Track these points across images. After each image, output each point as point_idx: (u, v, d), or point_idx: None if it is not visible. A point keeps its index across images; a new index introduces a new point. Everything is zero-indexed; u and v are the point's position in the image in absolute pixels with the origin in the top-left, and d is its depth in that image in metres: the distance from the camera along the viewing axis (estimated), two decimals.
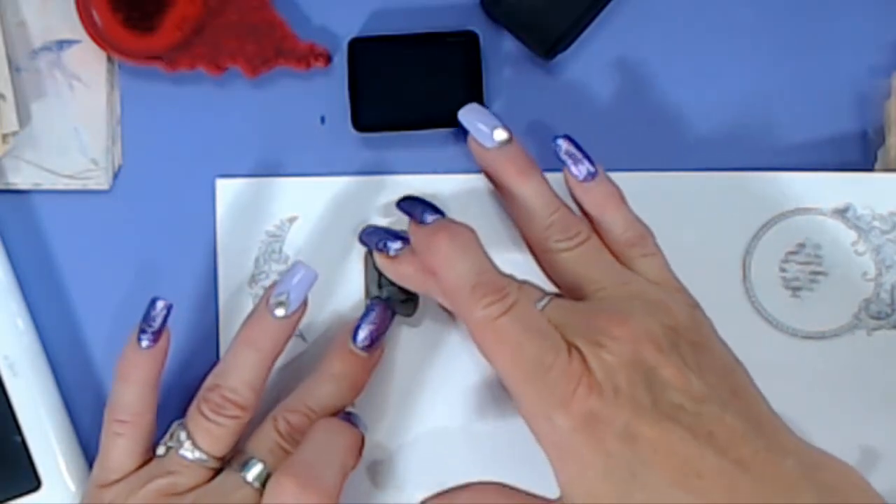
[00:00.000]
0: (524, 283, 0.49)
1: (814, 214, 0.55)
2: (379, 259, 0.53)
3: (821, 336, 0.55)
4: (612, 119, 0.56)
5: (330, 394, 0.52)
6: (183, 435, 0.50)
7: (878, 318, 0.55)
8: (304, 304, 0.51)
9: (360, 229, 0.55)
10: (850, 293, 0.55)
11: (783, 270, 0.55)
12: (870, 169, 0.56)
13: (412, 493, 0.54)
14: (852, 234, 0.55)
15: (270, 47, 0.55)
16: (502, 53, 0.57)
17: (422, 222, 0.50)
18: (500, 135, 0.51)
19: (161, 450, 0.51)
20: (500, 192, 0.52)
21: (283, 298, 0.51)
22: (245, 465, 0.50)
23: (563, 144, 0.51)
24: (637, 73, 0.56)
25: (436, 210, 0.51)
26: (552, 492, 0.47)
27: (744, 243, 0.55)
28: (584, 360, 0.46)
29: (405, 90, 0.55)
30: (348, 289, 0.56)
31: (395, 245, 0.52)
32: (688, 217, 0.55)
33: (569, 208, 0.51)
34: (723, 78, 0.56)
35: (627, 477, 0.45)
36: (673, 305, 0.48)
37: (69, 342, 0.56)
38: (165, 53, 0.55)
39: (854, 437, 0.54)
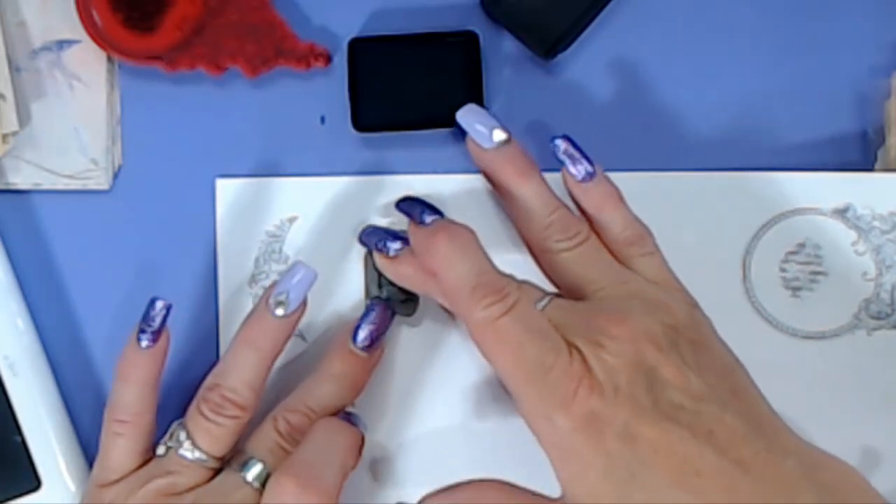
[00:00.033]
0: (524, 283, 0.49)
1: (814, 214, 0.55)
2: (378, 259, 0.53)
3: (821, 336, 0.55)
4: (612, 119, 0.56)
5: (330, 394, 0.52)
6: (183, 435, 0.50)
7: (878, 318, 0.55)
8: (304, 303, 0.51)
9: (359, 229, 0.55)
10: (850, 293, 0.55)
11: (783, 270, 0.55)
12: (870, 169, 0.56)
13: (412, 492, 0.54)
14: (852, 234, 0.55)
15: (270, 47, 0.55)
16: (502, 53, 0.57)
17: (421, 223, 0.50)
18: (499, 135, 0.51)
19: (161, 450, 0.51)
20: (498, 192, 0.52)
21: (282, 298, 0.51)
22: (245, 465, 0.50)
23: (562, 144, 0.51)
24: (637, 73, 0.56)
25: (435, 211, 0.51)
26: (552, 491, 0.47)
27: (744, 243, 0.55)
28: (584, 360, 0.46)
29: (405, 90, 0.55)
30: (348, 289, 0.56)
31: (395, 245, 0.52)
32: (688, 217, 0.55)
33: (568, 208, 0.51)
34: (723, 78, 0.56)
35: (627, 477, 0.45)
36: (672, 304, 0.48)
37: (69, 342, 0.56)
38: (165, 53, 0.55)
39: (854, 438, 0.54)
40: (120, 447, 0.51)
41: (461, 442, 0.55)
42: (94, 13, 0.54)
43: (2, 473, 0.54)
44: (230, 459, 0.51)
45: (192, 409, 0.51)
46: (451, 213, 0.54)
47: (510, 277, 0.48)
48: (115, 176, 0.56)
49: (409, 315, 0.55)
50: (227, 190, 0.56)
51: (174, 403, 0.54)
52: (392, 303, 0.54)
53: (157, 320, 0.51)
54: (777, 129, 0.56)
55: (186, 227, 0.56)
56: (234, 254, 0.56)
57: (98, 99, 0.56)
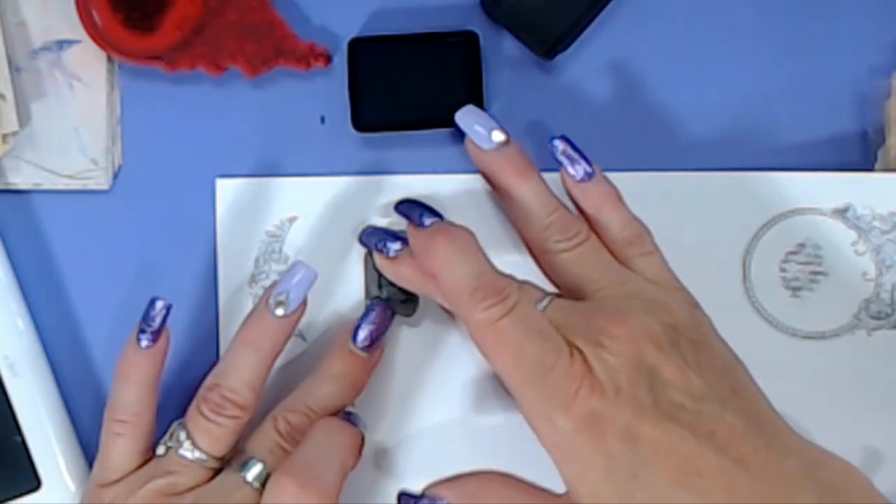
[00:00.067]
0: (524, 283, 0.49)
1: (814, 214, 0.55)
2: (378, 260, 0.53)
3: (821, 336, 0.55)
4: (612, 119, 0.56)
5: (330, 394, 0.52)
6: (182, 435, 0.50)
7: (878, 318, 0.55)
8: (304, 303, 0.51)
9: (359, 229, 0.55)
10: (850, 293, 0.55)
11: (783, 270, 0.55)
12: (870, 169, 0.56)
13: (412, 487, 0.54)
14: (852, 234, 0.55)
15: (270, 47, 0.55)
16: (502, 53, 0.57)
17: (420, 225, 0.50)
18: (498, 136, 0.51)
19: (161, 450, 0.51)
20: (498, 193, 0.52)
21: (282, 298, 0.51)
22: (245, 465, 0.50)
23: (560, 145, 0.51)
24: (637, 74, 0.56)
25: (434, 213, 0.51)
26: (555, 489, 0.47)
27: (744, 243, 0.55)
28: (585, 360, 0.46)
29: (405, 90, 0.55)
30: (348, 289, 0.56)
31: (395, 246, 0.52)
32: (688, 217, 0.55)
33: (567, 209, 0.51)
34: (723, 78, 0.56)
35: (629, 477, 0.45)
36: (672, 304, 0.48)
37: (69, 342, 0.56)
38: (165, 53, 0.55)
39: (854, 438, 0.54)
40: (120, 447, 0.51)
41: (461, 441, 0.55)
42: (94, 13, 0.54)
43: (2, 473, 0.54)
44: (230, 459, 0.51)
45: (192, 409, 0.51)
46: (450, 214, 0.54)
47: (510, 278, 0.48)
48: (115, 176, 0.56)
49: (409, 315, 0.55)
50: (227, 190, 0.56)
51: (174, 403, 0.54)
52: (392, 303, 0.54)
53: (157, 320, 0.51)
54: (777, 129, 0.56)
55: (186, 227, 0.56)
56: (234, 254, 0.56)
57: (98, 99, 0.56)
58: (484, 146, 0.51)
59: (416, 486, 0.50)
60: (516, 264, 0.50)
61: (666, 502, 0.45)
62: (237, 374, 0.50)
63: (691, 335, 0.47)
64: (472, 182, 0.55)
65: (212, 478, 0.51)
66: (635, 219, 0.51)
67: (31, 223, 0.56)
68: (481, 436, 0.55)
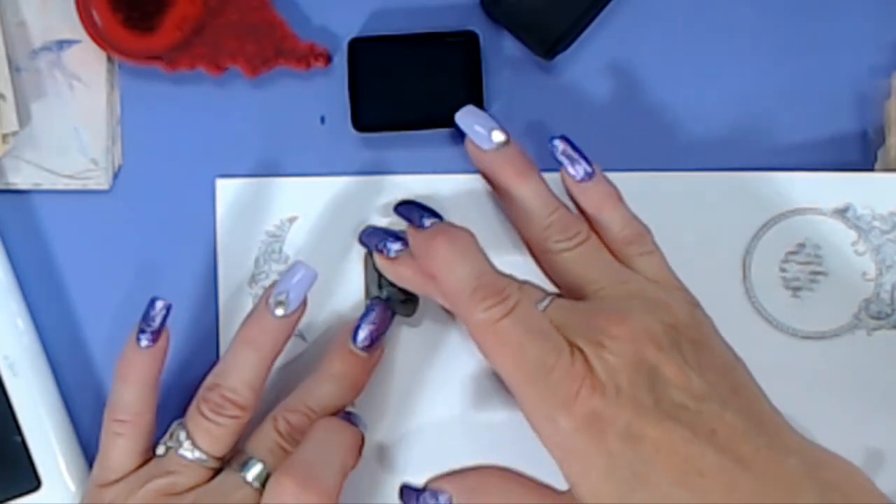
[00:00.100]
0: (525, 283, 0.49)
1: (814, 214, 0.55)
2: (378, 260, 0.53)
3: (821, 336, 0.55)
4: (612, 119, 0.56)
5: (330, 394, 0.52)
6: (182, 435, 0.50)
7: (879, 318, 0.55)
8: (304, 303, 0.51)
9: (359, 229, 0.55)
10: (850, 293, 0.55)
11: (783, 270, 0.55)
12: (870, 169, 0.56)
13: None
14: (852, 234, 0.55)
15: (270, 47, 0.55)
16: (502, 53, 0.57)
17: (420, 226, 0.50)
18: (498, 136, 0.51)
19: (161, 449, 0.51)
20: (498, 193, 0.52)
21: (282, 298, 0.51)
22: (245, 465, 0.50)
23: (560, 145, 0.51)
24: (637, 74, 0.56)
25: (434, 214, 0.51)
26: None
27: (744, 243, 0.55)
28: (586, 360, 0.46)
29: (405, 90, 0.55)
30: (348, 289, 0.56)
31: (395, 246, 0.52)
32: (688, 217, 0.55)
33: (567, 208, 0.51)
34: (723, 78, 0.56)
35: (629, 476, 0.45)
36: (672, 303, 0.48)
37: (69, 342, 0.56)
38: (165, 53, 0.55)
39: (855, 438, 0.54)
40: (120, 447, 0.51)
41: (462, 441, 0.55)
42: (94, 13, 0.54)
43: (2, 473, 0.54)
44: (230, 459, 0.51)
45: (191, 409, 0.51)
46: (450, 214, 0.54)
47: (510, 278, 0.48)
48: (115, 176, 0.56)
49: (409, 315, 0.55)
50: (227, 190, 0.56)
51: (174, 403, 0.54)
52: (392, 303, 0.54)
53: (157, 320, 0.51)
54: (777, 129, 0.56)
55: (186, 227, 0.56)
56: (234, 254, 0.56)
57: (98, 99, 0.56)
58: (484, 146, 0.51)
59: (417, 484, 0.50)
60: (517, 264, 0.50)
61: (667, 502, 0.45)
62: (237, 374, 0.50)
63: (692, 334, 0.47)
64: (472, 182, 0.55)
65: (212, 478, 0.51)
66: (635, 218, 0.51)
67: (31, 223, 0.56)
68: (481, 435, 0.55)
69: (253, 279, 0.56)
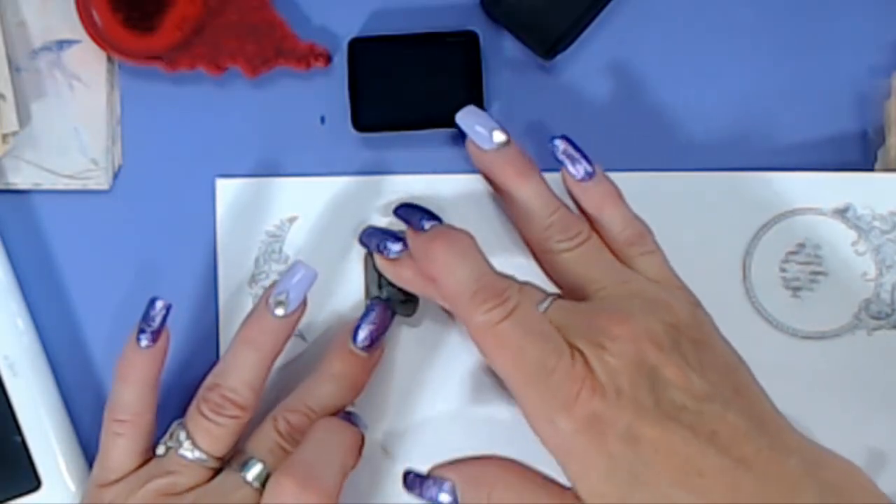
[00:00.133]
0: (525, 284, 0.49)
1: (814, 214, 0.55)
2: (379, 261, 0.53)
3: (821, 336, 0.55)
4: (612, 119, 0.56)
5: (330, 394, 0.52)
6: (182, 435, 0.50)
7: (879, 318, 0.55)
8: (304, 303, 0.51)
9: (360, 229, 0.55)
10: (850, 293, 0.55)
11: (783, 270, 0.55)
12: (870, 169, 0.56)
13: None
14: (852, 234, 0.55)
15: (270, 47, 0.55)
16: (502, 53, 0.57)
17: (419, 229, 0.50)
18: (498, 137, 0.51)
19: (161, 449, 0.51)
20: (498, 194, 0.52)
21: (282, 298, 0.51)
22: (245, 465, 0.50)
23: (561, 145, 0.51)
24: (637, 74, 0.56)
25: (433, 216, 0.51)
26: None
27: (744, 243, 0.55)
28: (586, 362, 0.46)
29: (405, 90, 0.55)
30: (348, 289, 0.56)
31: (395, 247, 0.52)
32: (688, 217, 0.55)
33: (568, 208, 0.51)
34: (723, 78, 0.56)
35: (630, 477, 0.45)
36: (674, 303, 0.48)
37: (69, 342, 0.56)
38: (165, 53, 0.55)
39: (855, 438, 0.54)
40: (120, 447, 0.51)
41: (462, 441, 0.55)
42: (94, 13, 0.54)
43: (2, 473, 0.54)
44: (230, 459, 0.51)
45: (191, 409, 0.51)
46: (451, 214, 0.54)
47: (511, 279, 0.48)
48: (115, 176, 0.56)
49: (409, 315, 0.55)
50: (227, 190, 0.56)
51: (174, 403, 0.54)
52: (392, 303, 0.54)
53: (157, 320, 0.51)
54: (777, 129, 0.56)
55: (186, 227, 0.56)
56: (234, 254, 0.56)
57: (98, 99, 0.56)
58: (485, 146, 0.51)
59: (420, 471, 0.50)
60: (518, 265, 0.50)
61: (667, 502, 0.45)
62: (237, 374, 0.50)
63: (693, 334, 0.47)
64: (472, 182, 0.55)
65: (212, 478, 0.51)
66: (636, 218, 0.51)
67: (31, 223, 0.56)
68: (482, 434, 0.55)
69: (253, 279, 0.56)
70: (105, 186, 0.56)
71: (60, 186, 0.56)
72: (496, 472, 0.48)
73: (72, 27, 0.55)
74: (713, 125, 0.56)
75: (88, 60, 0.56)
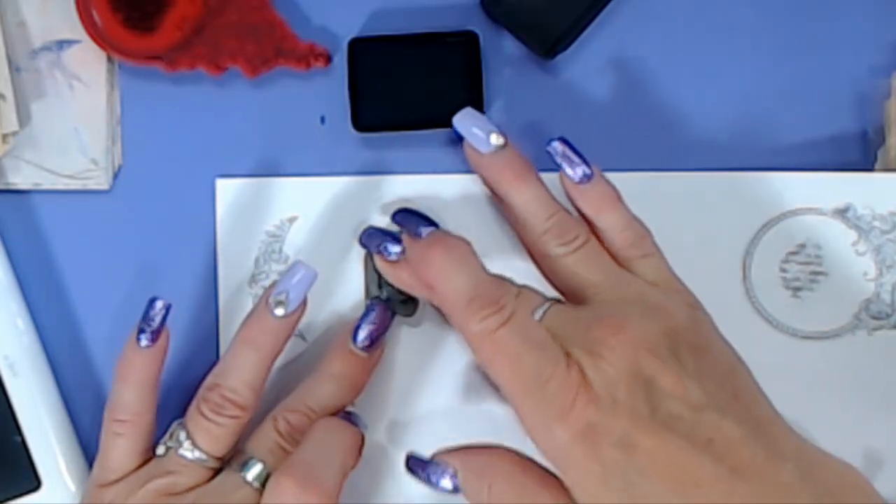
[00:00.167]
0: (523, 288, 0.49)
1: (814, 214, 0.55)
2: (378, 262, 0.53)
3: (821, 336, 0.55)
4: (612, 119, 0.56)
5: (330, 394, 0.52)
6: (182, 435, 0.50)
7: (879, 319, 0.55)
8: (304, 303, 0.51)
9: (360, 229, 0.55)
10: (850, 293, 0.55)
11: (783, 271, 0.55)
12: (870, 169, 0.56)
13: (412, 487, 0.54)
14: (852, 234, 0.55)
15: (270, 47, 0.55)
16: (502, 53, 0.57)
17: (417, 235, 0.50)
18: (496, 140, 0.51)
19: (161, 449, 0.51)
20: (496, 197, 0.52)
21: (282, 298, 0.51)
22: (245, 465, 0.50)
23: (558, 147, 0.51)
24: (637, 73, 0.56)
25: (430, 222, 0.51)
26: None
27: (744, 243, 0.55)
28: (582, 371, 0.46)
29: (405, 90, 0.55)
30: (348, 289, 0.56)
31: (395, 249, 0.52)
32: (688, 217, 0.55)
33: (566, 211, 0.51)
34: (723, 78, 0.56)
35: (625, 486, 0.45)
36: (672, 307, 0.48)
37: (69, 342, 0.56)
38: (165, 53, 0.55)
39: (855, 438, 0.54)
40: (120, 447, 0.51)
41: (462, 440, 0.55)
42: (94, 13, 0.54)
43: (2, 473, 0.54)
44: (230, 459, 0.51)
45: (191, 409, 0.51)
46: (451, 214, 0.54)
47: (509, 283, 0.48)
48: (115, 176, 0.56)
49: (409, 315, 0.55)
50: (227, 190, 0.56)
51: (174, 403, 0.54)
52: (392, 303, 0.54)
53: (157, 320, 0.51)
54: (777, 129, 0.56)
55: (186, 227, 0.56)
56: (234, 254, 0.56)
57: (98, 99, 0.56)
58: (482, 149, 0.51)
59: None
60: (517, 268, 0.51)
61: None
62: (237, 374, 0.50)
63: (691, 339, 0.47)
64: (472, 183, 0.55)
65: (212, 478, 0.51)
66: (635, 220, 0.51)
67: (31, 223, 0.56)
68: (482, 434, 0.55)
69: (253, 279, 0.56)
70: (105, 186, 0.56)
71: (60, 186, 0.56)
72: (498, 465, 0.48)
73: (72, 27, 0.55)
74: (713, 125, 0.56)
75: (88, 60, 0.56)
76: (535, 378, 0.46)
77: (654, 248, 0.51)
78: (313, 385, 0.52)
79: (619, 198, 0.51)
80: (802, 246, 0.55)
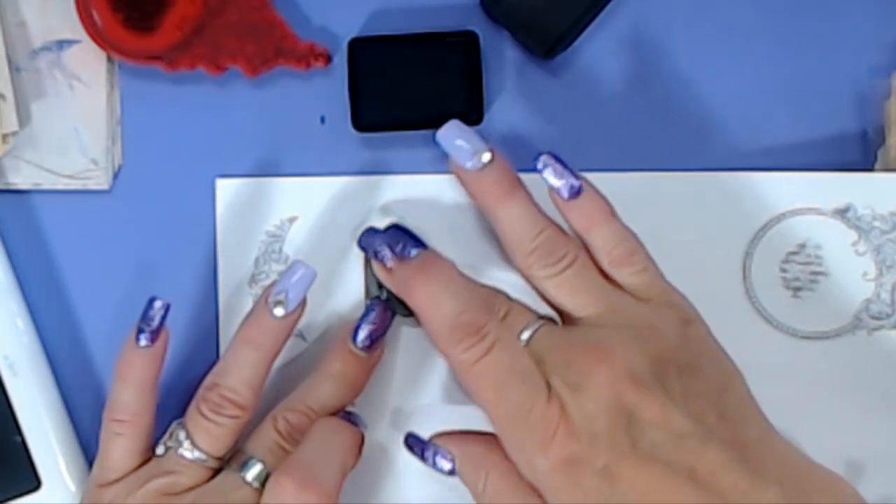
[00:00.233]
0: (514, 305, 0.49)
1: (814, 214, 0.55)
2: (375, 267, 0.53)
3: (821, 336, 0.55)
4: (612, 119, 0.56)
5: (330, 394, 0.52)
6: (182, 434, 0.50)
7: (879, 319, 0.55)
8: (303, 303, 0.51)
9: (359, 229, 0.55)
10: (850, 293, 0.55)
11: (783, 271, 0.55)
12: (870, 169, 0.56)
13: (412, 487, 0.54)
14: (853, 234, 0.55)
15: (270, 47, 0.55)
16: (502, 53, 0.57)
17: (404, 256, 0.50)
18: (481, 158, 0.50)
19: (160, 449, 0.51)
20: (484, 214, 0.52)
21: (281, 297, 0.51)
22: (244, 465, 0.50)
23: (546, 161, 0.50)
24: (637, 73, 0.56)
25: (418, 242, 0.50)
26: None
27: (744, 243, 0.55)
28: (562, 404, 0.46)
29: (405, 90, 0.55)
30: (348, 289, 0.56)
31: (391, 256, 0.52)
32: (688, 217, 0.55)
33: (556, 226, 0.50)
34: (723, 78, 0.56)
35: None
36: (662, 327, 0.47)
37: (69, 342, 0.56)
38: (165, 53, 0.55)
39: (854, 438, 0.54)
40: (119, 447, 0.51)
41: None
42: (94, 13, 0.54)
43: (2, 473, 0.54)
44: (230, 459, 0.51)
45: (191, 409, 0.51)
46: (450, 215, 0.54)
47: (501, 297, 0.49)
48: (115, 176, 0.56)
49: (409, 315, 0.55)
50: (227, 190, 0.56)
51: (174, 403, 0.54)
52: (392, 303, 0.54)
53: (156, 320, 0.51)
54: (777, 129, 0.56)
55: (186, 227, 0.56)
56: (234, 254, 0.56)
57: (98, 99, 0.56)
58: (465, 166, 0.50)
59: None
60: (516, 271, 0.50)
61: None
62: (237, 374, 0.50)
63: (681, 360, 0.47)
64: None
65: (211, 477, 0.51)
66: (627, 234, 0.50)
67: (31, 223, 0.56)
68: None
69: (253, 279, 0.56)
70: (105, 186, 0.56)
71: (60, 186, 0.56)
72: (496, 458, 0.48)
73: (72, 27, 0.55)
74: (713, 125, 0.56)
75: (88, 60, 0.56)
76: (517, 409, 0.46)
77: (647, 263, 0.50)
78: (313, 385, 0.52)
79: (610, 212, 0.50)
80: (802, 246, 0.55)
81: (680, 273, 0.50)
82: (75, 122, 0.56)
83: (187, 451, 0.50)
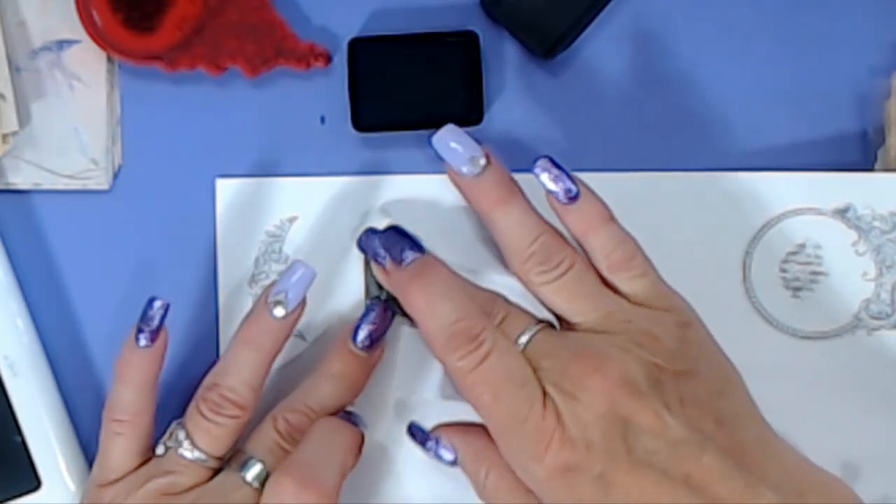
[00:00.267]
0: (512, 308, 0.49)
1: (814, 214, 0.55)
2: (374, 269, 0.53)
3: (821, 336, 0.55)
4: (612, 119, 0.56)
5: (330, 393, 0.52)
6: (182, 434, 0.50)
7: (879, 319, 0.55)
8: (303, 303, 0.51)
9: (359, 230, 0.55)
10: (850, 293, 0.55)
11: (783, 271, 0.55)
12: (870, 169, 0.56)
13: (412, 486, 0.54)
14: (853, 234, 0.55)
15: (270, 47, 0.55)
16: (502, 53, 0.57)
17: (401, 261, 0.49)
18: (477, 163, 0.50)
19: (160, 449, 0.51)
20: (481, 220, 0.52)
21: (281, 297, 0.51)
22: (244, 465, 0.50)
23: (543, 166, 0.49)
24: (637, 74, 0.56)
25: (416, 245, 0.50)
26: None
27: (744, 243, 0.55)
28: (557, 413, 0.46)
29: (405, 90, 0.55)
30: (348, 289, 0.56)
31: (389, 260, 0.51)
32: (688, 217, 0.55)
33: (553, 230, 0.50)
34: (723, 78, 0.56)
35: None
36: (659, 332, 0.47)
37: (69, 342, 0.56)
38: (165, 53, 0.55)
39: (854, 438, 0.54)
40: (119, 447, 0.51)
41: None
42: (94, 13, 0.54)
43: (2, 473, 0.54)
44: (230, 459, 0.51)
45: (191, 409, 0.51)
46: (449, 215, 0.54)
47: (500, 301, 0.49)
48: (115, 176, 0.56)
49: (408, 315, 0.55)
50: (227, 190, 0.56)
51: (174, 403, 0.54)
52: (392, 303, 0.54)
53: (156, 320, 0.51)
54: (777, 129, 0.56)
55: (186, 227, 0.56)
56: (234, 254, 0.56)
57: (98, 99, 0.56)
58: (461, 172, 0.50)
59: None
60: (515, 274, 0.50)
61: None
62: (236, 374, 0.50)
63: (677, 366, 0.47)
64: None
65: (211, 477, 0.51)
66: (625, 237, 0.49)
67: (31, 223, 0.56)
68: None
69: (253, 279, 0.56)
70: (105, 186, 0.56)
71: (60, 186, 0.56)
72: (496, 456, 0.48)
73: (72, 27, 0.55)
74: (713, 125, 0.56)
75: (88, 60, 0.56)
76: (513, 417, 0.46)
77: (645, 267, 0.49)
78: (313, 385, 0.52)
79: (608, 216, 0.50)
80: (802, 246, 0.55)
81: (680, 273, 0.50)
82: (75, 122, 0.56)
83: (187, 451, 0.50)
